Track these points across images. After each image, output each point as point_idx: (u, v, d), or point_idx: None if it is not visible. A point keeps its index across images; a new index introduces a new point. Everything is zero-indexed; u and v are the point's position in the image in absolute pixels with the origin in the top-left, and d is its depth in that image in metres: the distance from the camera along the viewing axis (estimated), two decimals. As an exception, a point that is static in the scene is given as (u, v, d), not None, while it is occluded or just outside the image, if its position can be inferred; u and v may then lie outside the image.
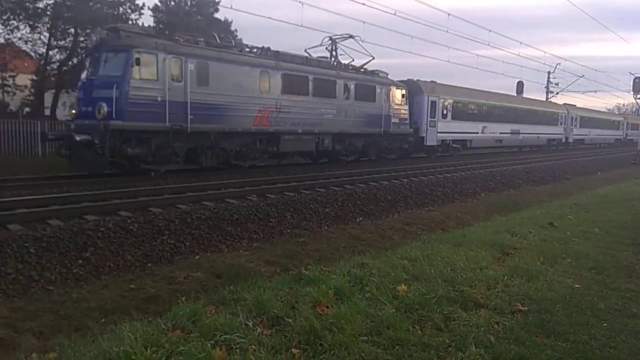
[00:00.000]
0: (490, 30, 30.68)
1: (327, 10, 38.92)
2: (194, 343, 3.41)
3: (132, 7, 24.10)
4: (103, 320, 5.39)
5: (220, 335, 3.63)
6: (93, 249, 7.05)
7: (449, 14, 24.74)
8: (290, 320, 4.11)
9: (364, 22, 21.28)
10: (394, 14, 21.77)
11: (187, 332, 3.63)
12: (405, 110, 21.81)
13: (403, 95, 21.65)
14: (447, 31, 25.08)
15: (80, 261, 6.77)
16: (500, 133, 28.96)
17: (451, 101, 24.67)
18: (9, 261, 6.40)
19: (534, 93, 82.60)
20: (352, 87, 18.88)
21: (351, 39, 20.55)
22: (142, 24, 24.60)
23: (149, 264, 7.21)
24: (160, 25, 26.16)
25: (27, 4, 21.26)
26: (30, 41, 24.01)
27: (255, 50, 16.46)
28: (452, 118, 24.73)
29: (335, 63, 19.59)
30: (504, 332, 4.29)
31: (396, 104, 21.17)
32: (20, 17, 21.97)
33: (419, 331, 4.18)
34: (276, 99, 15.90)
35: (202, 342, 3.45)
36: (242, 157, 15.41)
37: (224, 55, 14.57)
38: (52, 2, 21.91)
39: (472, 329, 4.27)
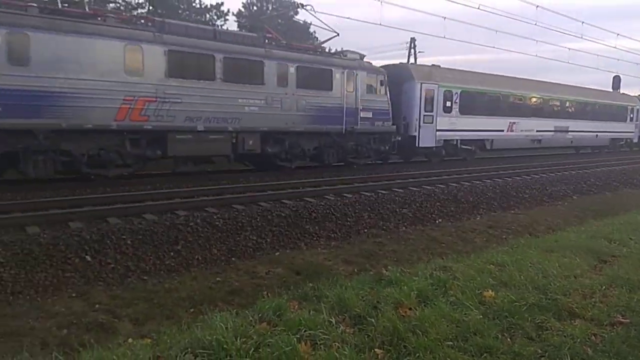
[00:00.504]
0: (583, 22, 28.54)
1: (407, 8, 38.36)
2: (280, 336, 3.50)
3: (218, 13, 25.26)
4: (192, 310, 5.69)
5: (305, 330, 3.70)
6: (183, 243, 7.46)
7: (537, 6, 23.34)
8: (373, 320, 4.09)
9: (444, 18, 20.69)
10: (478, 8, 20.96)
11: (273, 325, 3.74)
12: (384, 101, 16.85)
13: (381, 83, 16.73)
14: (536, 24, 23.57)
15: (172, 253, 7.20)
16: (538, 131, 23.15)
17: (458, 90, 19.26)
18: (109, 252, 6.94)
19: (633, 88, 75.79)
20: (293, 70, 14.27)
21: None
22: (228, 29, 25.74)
23: (233, 258, 7.50)
24: (243, 30, 27.19)
25: (125, 13, 22.97)
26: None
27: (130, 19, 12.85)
28: (459, 112, 19.36)
29: (267, 40, 14.82)
30: (603, 345, 3.98)
31: (368, 94, 16.35)
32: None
33: (509, 339, 3.98)
34: (157, 84, 11.87)
35: (287, 336, 3.54)
36: (100, 164, 11.58)
37: (61, 24, 10.66)
38: (145, 10, 23.53)
39: (567, 340, 3.99)
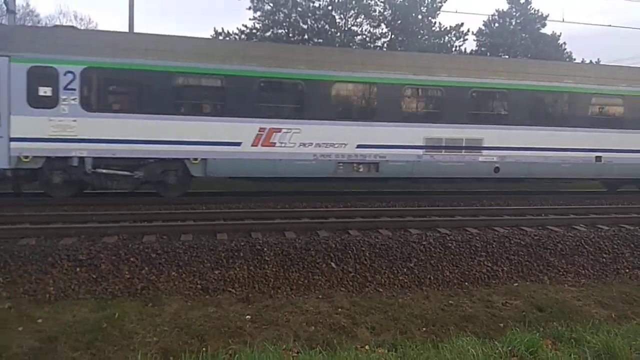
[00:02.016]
0: None
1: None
2: None
3: (457, 34, 25.19)
4: (424, 328, 5.73)
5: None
6: (416, 261, 7.59)
7: None
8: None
9: None
10: None
11: None
12: None
13: None
14: None
15: (405, 270, 7.41)
16: (367, 146, 12.09)
17: (77, 68, 10.38)
18: (350, 261, 7.52)
19: None
20: None
21: None
22: (465, 49, 25.49)
23: (466, 283, 7.28)
24: (483, 48, 26.49)
25: (369, 44, 24.95)
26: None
27: None
28: (84, 107, 10.51)
29: None
30: None
31: None
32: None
33: None
34: None
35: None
36: None
37: None
38: (387, 39, 25.05)
39: None
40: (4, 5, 16.04)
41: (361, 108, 12.67)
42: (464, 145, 12.62)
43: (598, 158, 13.52)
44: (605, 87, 13.62)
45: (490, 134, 12.75)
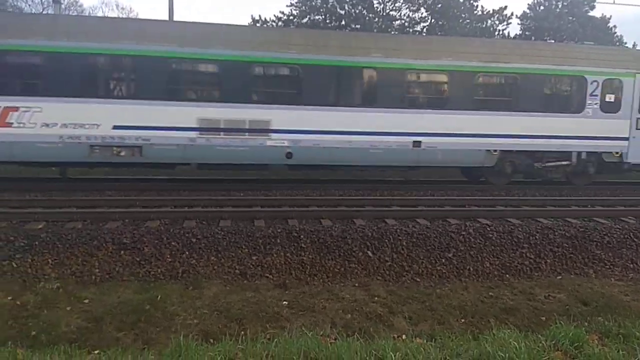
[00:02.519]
0: None
1: None
2: None
3: (500, 17, 24.39)
4: (463, 319, 5.64)
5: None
6: (455, 251, 7.46)
7: None
8: None
9: None
10: None
11: (571, 357, 3.38)
12: None
13: None
14: None
15: (443, 260, 7.29)
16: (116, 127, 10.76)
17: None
18: (387, 250, 7.47)
19: None
20: None
21: None
22: (509, 34, 24.67)
23: (507, 275, 7.11)
24: (527, 33, 25.55)
25: (408, 29, 24.49)
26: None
27: None
28: None
29: None
30: None
31: None
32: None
33: None
34: None
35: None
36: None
37: None
38: (427, 24, 24.52)
39: None
40: None
41: (117, 85, 11.33)
42: (247, 127, 11.17)
43: (416, 143, 11.90)
44: (424, 61, 11.87)
45: (279, 116, 11.23)
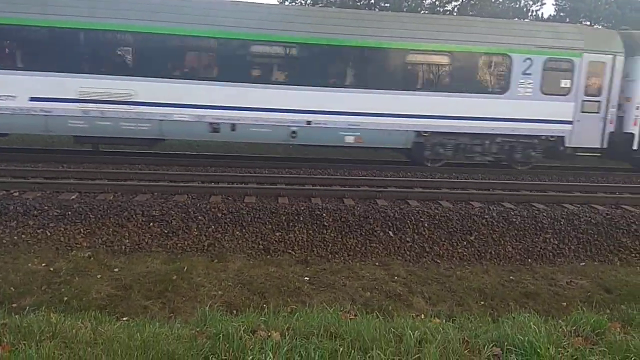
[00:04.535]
0: None
1: None
2: (602, 357, 3.16)
3: (534, -3, 23.64)
4: (482, 302, 5.68)
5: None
6: (477, 234, 7.46)
7: None
8: None
9: None
10: None
11: (591, 343, 3.39)
12: None
13: None
14: None
15: (465, 243, 7.31)
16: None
17: None
18: (408, 231, 7.52)
19: None
20: None
21: None
22: (542, 14, 23.90)
23: (529, 260, 7.09)
24: (562, 14, 24.70)
25: (438, 9, 23.95)
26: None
27: None
28: None
29: None
30: None
31: None
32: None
33: None
34: None
35: (610, 359, 3.17)
36: None
37: None
38: (458, 3, 23.91)
39: None
40: None
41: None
42: None
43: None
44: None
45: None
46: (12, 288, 5.55)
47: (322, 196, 8.56)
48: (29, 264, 6.10)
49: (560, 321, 3.75)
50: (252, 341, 3.28)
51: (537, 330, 3.32)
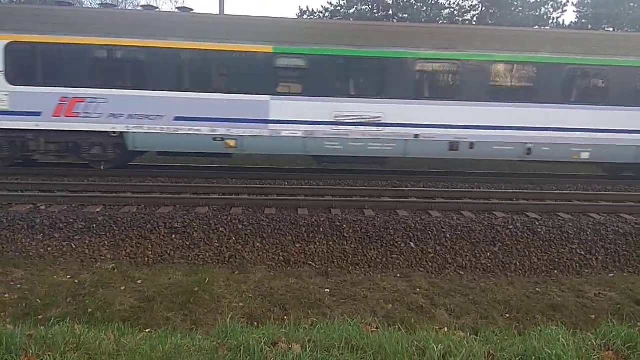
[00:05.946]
0: None
1: None
2: None
3: (555, 5, 23.32)
4: (507, 315, 5.55)
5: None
6: (501, 245, 7.32)
7: None
8: None
9: None
10: None
11: (623, 357, 3.28)
12: None
13: None
14: None
15: (488, 254, 7.18)
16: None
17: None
18: (430, 242, 7.42)
19: None
20: None
21: None
22: (563, 21, 23.58)
23: (556, 271, 6.93)
24: (584, 20, 24.31)
25: (457, 18, 23.86)
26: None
27: None
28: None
29: None
30: None
31: None
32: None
33: None
34: None
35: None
36: None
37: None
38: (477, 12, 23.78)
39: None
40: None
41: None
42: None
43: None
44: None
45: None
46: (38, 300, 5.66)
47: (342, 207, 8.53)
48: (55, 276, 6.21)
49: (589, 334, 3.63)
50: (273, 353, 3.26)
51: (565, 344, 3.22)
